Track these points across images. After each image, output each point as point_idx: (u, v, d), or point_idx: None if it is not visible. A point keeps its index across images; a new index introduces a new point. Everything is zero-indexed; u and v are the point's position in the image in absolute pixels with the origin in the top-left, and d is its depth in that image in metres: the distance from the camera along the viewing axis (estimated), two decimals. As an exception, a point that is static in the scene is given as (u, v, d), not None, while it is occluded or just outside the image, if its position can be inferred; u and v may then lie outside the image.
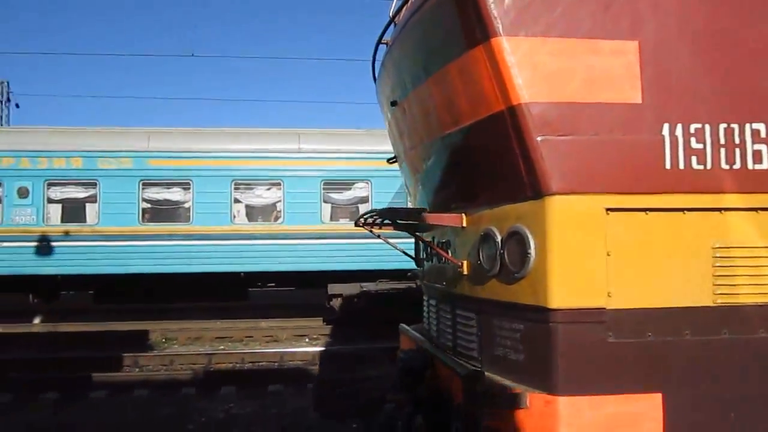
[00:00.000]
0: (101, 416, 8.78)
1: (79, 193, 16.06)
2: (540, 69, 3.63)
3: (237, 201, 16.55)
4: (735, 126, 3.70)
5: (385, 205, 14.80)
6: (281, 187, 16.54)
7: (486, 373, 4.12)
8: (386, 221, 5.41)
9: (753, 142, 3.72)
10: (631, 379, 3.63)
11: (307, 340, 15.52)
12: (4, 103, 30.72)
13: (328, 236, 16.38)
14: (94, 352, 12.86)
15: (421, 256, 6.11)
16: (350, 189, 16.97)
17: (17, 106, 31.92)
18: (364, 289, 16.08)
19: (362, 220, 5.45)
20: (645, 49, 3.65)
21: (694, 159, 3.68)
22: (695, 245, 3.70)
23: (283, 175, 16.52)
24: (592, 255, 3.61)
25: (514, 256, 3.85)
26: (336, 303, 16.53)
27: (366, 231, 5.79)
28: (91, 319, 16.97)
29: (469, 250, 4.44)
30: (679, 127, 3.66)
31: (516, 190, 3.80)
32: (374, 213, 5.25)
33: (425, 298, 5.91)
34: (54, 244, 15.61)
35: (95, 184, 15.95)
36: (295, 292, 18.96)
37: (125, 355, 12.50)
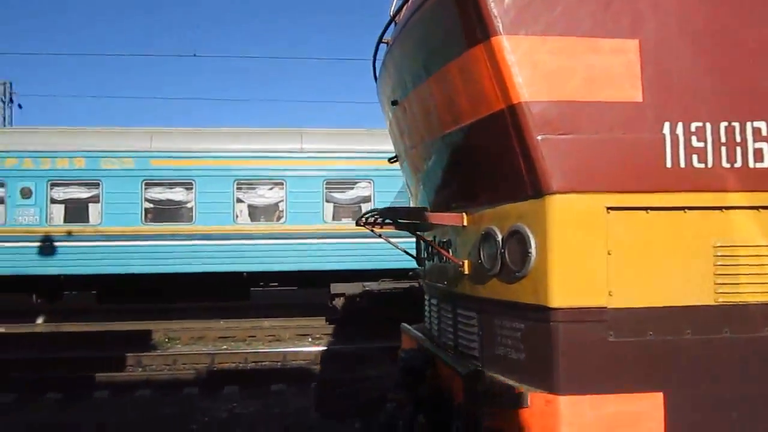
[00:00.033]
0: (104, 416, 8.80)
1: (82, 193, 16.09)
2: (540, 68, 3.62)
3: (239, 201, 16.56)
4: (736, 124, 3.69)
5: (387, 205, 14.80)
6: (283, 186, 16.55)
7: (487, 373, 4.11)
8: (387, 221, 5.40)
9: (754, 141, 3.71)
10: (632, 378, 3.62)
11: (309, 339, 15.53)
12: (6, 103, 30.80)
13: (331, 236, 16.38)
14: (97, 352, 12.89)
15: (423, 256, 6.10)
16: (353, 188, 16.97)
17: (20, 106, 32.05)
18: (367, 288, 16.08)
19: (363, 219, 5.45)
20: (645, 48, 3.63)
21: (695, 158, 3.67)
22: (696, 244, 3.69)
23: (286, 174, 16.52)
24: (592, 254, 3.60)
25: (514, 255, 3.84)
26: (338, 302, 16.53)
27: (368, 230, 5.79)
28: (94, 319, 17.01)
29: (470, 250, 4.44)
30: (680, 125, 3.65)
31: (516, 189, 3.80)
32: (375, 212, 5.25)
33: (426, 297, 5.91)
34: (57, 244, 15.64)
35: (98, 185, 15.97)
36: (297, 292, 18.96)
37: (128, 354, 12.52)
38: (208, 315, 17.76)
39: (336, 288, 16.41)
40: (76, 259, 15.68)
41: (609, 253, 3.61)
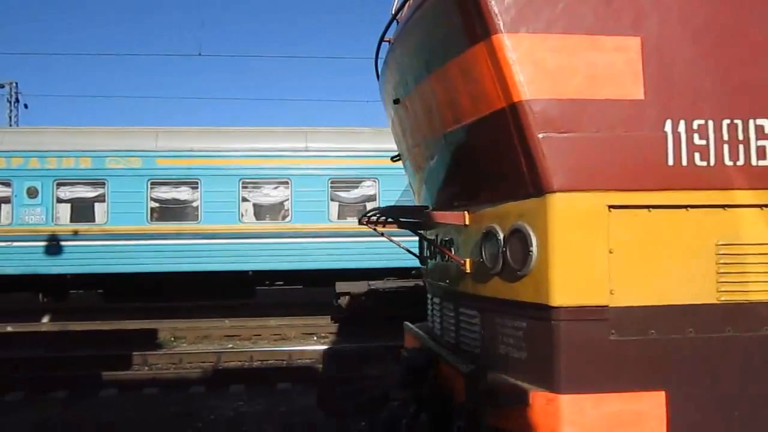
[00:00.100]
0: (110, 414, 8.82)
1: (88, 192, 16.14)
2: (541, 66, 3.61)
3: (245, 200, 16.59)
4: (738, 122, 3.67)
5: (392, 203, 14.80)
6: (289, 185, 16.57)
7: (488, 372, 4.10)
8: (389, 219, 5.40)
9: (757, 138, 3.69)
10: (634, 377, 3.61)
11: (315, 338, 15.54)
12: (13, 103, 30.94)
13: (336, 234, 16.39)
14: (103, 351, 12.91)
15: (425, 254, 6.10)
16: (358, 187, 16.98)
17: (26, 106, 32.32)
18: (372, 287, 16.06)
19: (366, 218, 5.45)
20: (647, 45, 3.62)
21: (697, 155, 3.65)
22: (698, 242, 3.67)
23: (291, 173, 16.55)
24: (594, 252, 3.59)
25: (516, 254, 3.83)
26: (344, 301, 16.53)
27: (374, 229, 5.79)
28: (100, 317, 17.06)
29: (472, 248, 4.43)
30: (682, 123, 3.63)
31: (518, 187, 3.79)
32: (377, 211, 5.24)
33: (429, 296, 5.90)
34: (63, 243, 15.71)
35: (104, 184, 16.03)
36: (302, 291, 18.99)
37: (134, 353, 12.54)
38: (214, 314, 17.79)
39: (341, 287, 16.40)
40: (82, 258, 15.75)
41: (610, 252, 3.60)
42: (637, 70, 3.61)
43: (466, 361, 4.44)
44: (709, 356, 3.66)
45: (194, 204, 16.36)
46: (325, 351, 12.51)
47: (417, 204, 5.96)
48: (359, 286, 16.18)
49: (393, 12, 5.03)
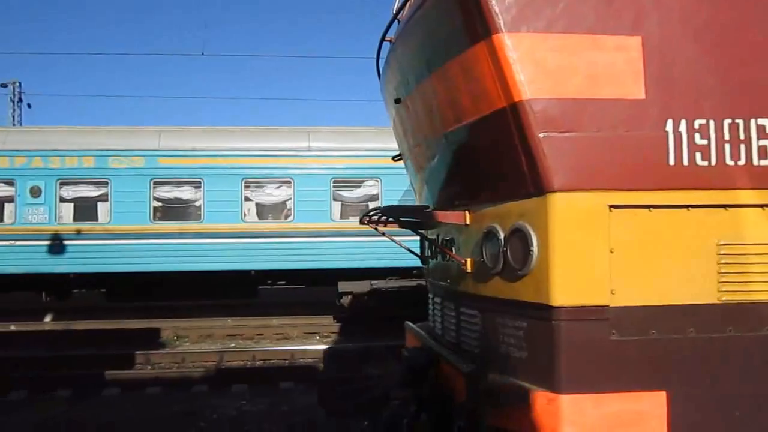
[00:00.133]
0: (114, 413, 8.83)
1: (91, 191, 16.16)
2: (542, 65, 3.61)
3: (247, 199, 16.59)
4: (740, 121, 3.66)
5: (395, 203, 14.80)
6: (291, 185, 16.58)
7: (489, 371, 4.10)
8: (390, 219, 5.40)
9: (759, 138, 3.68)
10: (635, 377, 3.61)
11: (317, 337, 15.55)
12: (16, 103, 31.07)
13: (338, 234, 16.38)
14: (105, 350, 12.94)
15: (426, 254, 6.10)
16: (360, 187, 16.98)
17: (29, 106, 32.31)
18: (375, 286, 16.07)
19: (367, 217, 5.45)
20: (648, 45, 3.61)
21: (698, 155, 3.64)
22: (700, 242, 3.66)
23: (293, 173, 16.55)
24: (594, 252, 3.59)
25: (516, 254, 3.83)
26: (346, 301, 16.53)
27: (375, 229, 5.79)
28: (103, 316, 17.08)
29: (473, 248, 4.43)
30: (683, 122, 3.63)
31: (518, 187, 3.78)
32: (378, 210, 5.25)
33: (430, 295, 5.90)
34: (66, 242, 15.73)
35: (107, 183, 16.05)
36: (305, 290, 18.98)
37: (137, 352, 12.57)
38: (216, 313, 17.81)
39: (344, 286, 16.40)
40: (85, 258, 15.77)
41: (611, 252, 3.60)
42: (638, 69, 3.60)
43: (467, 361, 4.44)
44: (710, 356, 3.65)
45: (197, 203, 16.37)
46: (325, 350, 12.54)
47: (418, 203, 5.96)
48: (362, 286, 16.18)
49: (394, 11, 5.03)
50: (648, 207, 3.63)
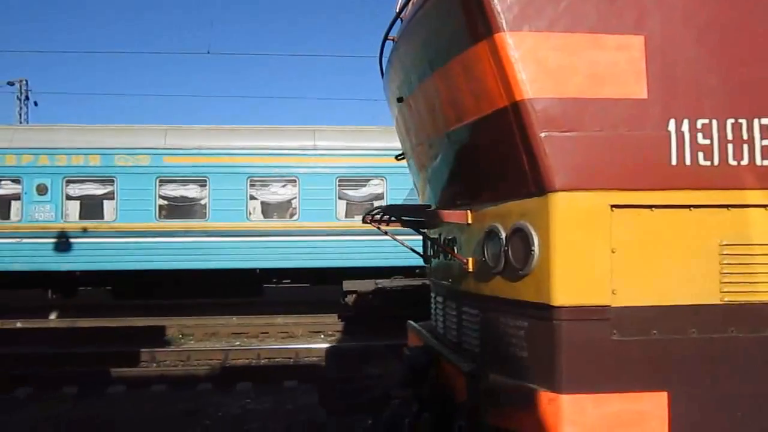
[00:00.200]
0: (119, 411, 8.86)
1: (97, 190, 16.25)
2: (544, 64, 3.60)
3: (252, 198, 16.63)
4: (743, 121, 3.64)
5: (400, 202, 14.81)
6: (296, 184, 16.61)
7: (489, 371, 4.10)
8: (393, 218, 5.40)
9: (762, 138, 3.66)
10: (636, 377, 3.59)
11: (322, 336, 15.56)
12: (23, 101, 31.19)
13: (343, 233, 16.40)
14: (111, 348, 12.97)
15: (429, 253, 6.09)
16: (365, 186, 17.00)
17: (36, 104, 32.47)
18: (379, 285, 16.06)
19: (369, 216, 5.45)
20: (650, 44, 3.59)
21: (700, 155, 3.62)
22: (702, 242, 3.65)
23: (299, 172, 16.58)
24: (596, 252, 3.57)
25: (518, 253, 3.82)
26: (351, 299, 16.53)
27: (377, 228, 5.79)
28: (108, 314, 17.15)
29: (474, 247, 4.42)
30: (686, 122, 3.61)
31: (520, 186, 3.77)
32: (380, 209, 5.25)
33: (432, 294, 5.90)
34: (72, 240, 15.81)
35: (113, 181, 16.12)
36: (310, 289, 19.02)
37: (142, 350, 12.59)
38: (221, 311, 17.84)
39: (348, 285, 16.39)
40: (91, 255, 15.85)
41: (613, 252, 3.58)
42: (640, 68, 3.59)
43: (468, 360, 4.43)
44: (712, 357, 3.64)
45: (202, 202, 16.42)
46: (327, 349, 12.54)
47: (421, 203, 5.96)
48: (366, 285, 16.16)
49: (397, 10, 5.03)
50: (650, 207, 3.62)
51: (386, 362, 5.93)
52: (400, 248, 6.24)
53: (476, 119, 3.98)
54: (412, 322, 6.33)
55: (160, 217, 16.27)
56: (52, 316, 17.70)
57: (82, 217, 16.13)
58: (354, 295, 16.41)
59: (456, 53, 3.95)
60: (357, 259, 16.28)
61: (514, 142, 3.69)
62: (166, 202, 16.42)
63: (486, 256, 4.16)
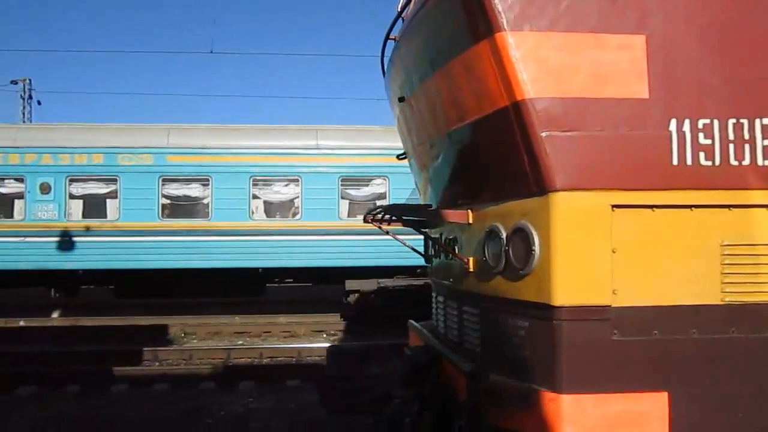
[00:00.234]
0: (121, 410, 8.86)
1: (100, 188, 16.29)
2: (545, 64, 3.59)
3: (255, 197, 16.65)
4: (744, 121, 3.63)
5: (402, 201, 14.80)
6: (299, 183, 16.62)
7: (490, 371, 4.09)
8: (394, 217, 5.40)
9: (763, 138, 3.65)
10: (637, 377, 3.59)
11: (324, 335, 15.56)
12: (26, 100, 31.28)
13: (346, 232, 16.41)
14: (114, 346, 13.00)
15: (430, 253, 6.09)
16: (368, 185, 17.01)
17: (39, 103, 32.56)
18: (382, 285, 16.06)
19: (370, 215, 5.45)
20: (652, 44, 3.58)
21: (702, 155, 3.61)
22: (703, 243, 3.64)
23: (301, 171, 16.59)
24: (597, 252, 3.57)
25: (518, 253, 3.82)
26: (353, 299, 16.54)
27: (378, 227, 5.79)
28: (111, 313, 17.19)
29: (475, 247, 4.42)
30: (687, 122, 3.60)
31: (520, 186, 3.77)
32: (381, 209, 5.25)
33: (434, 294, 5.90)
34: (75, 239, 15.84)
35: (116, 180, 16.15)
36: (312, 288, 19.04)
37: (145, 349, 12.61)
38: (224, 310, 17.86)
39: (351, 284, 16.40)
40: (93, 254, 15.88)
41: (613, 252, 3.58)
42: (642, 68, 3.58)
43: (469, 360, 4.43)
44: (713, 357, 3.63)
45: (205, 201, 16.44)
46: (327, 348, 12.54)
47: (422, 202, 5.96)
48: (369, 284, 16.17)
49: (398, 9, 5.02)
50: (651, 207, 3.61)
51: (387, 362, 5.91)
52: (402, 248, 6.24)
53: (477, 119, 3.98)
54: (413, 321, 6.33)
55: (163, 216, 16.29)
56: (55, 315, 17.75)
57: (85, 216, 16.17)
58: (356, 295, 16.42)
59: (457, 53, 3.95)
60: (359, 259, 16.29)
61: (515, 141, 3.69)
62: (169, 201, 16.45)
63: (487, 256, 4.16)
